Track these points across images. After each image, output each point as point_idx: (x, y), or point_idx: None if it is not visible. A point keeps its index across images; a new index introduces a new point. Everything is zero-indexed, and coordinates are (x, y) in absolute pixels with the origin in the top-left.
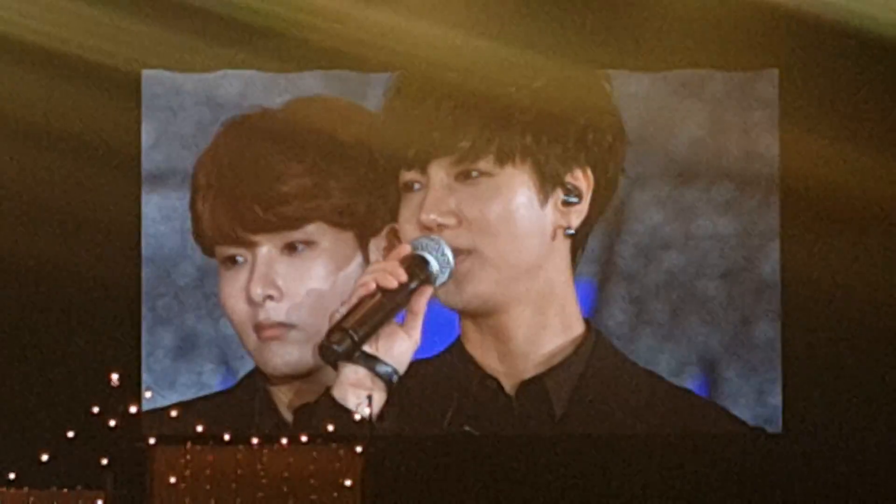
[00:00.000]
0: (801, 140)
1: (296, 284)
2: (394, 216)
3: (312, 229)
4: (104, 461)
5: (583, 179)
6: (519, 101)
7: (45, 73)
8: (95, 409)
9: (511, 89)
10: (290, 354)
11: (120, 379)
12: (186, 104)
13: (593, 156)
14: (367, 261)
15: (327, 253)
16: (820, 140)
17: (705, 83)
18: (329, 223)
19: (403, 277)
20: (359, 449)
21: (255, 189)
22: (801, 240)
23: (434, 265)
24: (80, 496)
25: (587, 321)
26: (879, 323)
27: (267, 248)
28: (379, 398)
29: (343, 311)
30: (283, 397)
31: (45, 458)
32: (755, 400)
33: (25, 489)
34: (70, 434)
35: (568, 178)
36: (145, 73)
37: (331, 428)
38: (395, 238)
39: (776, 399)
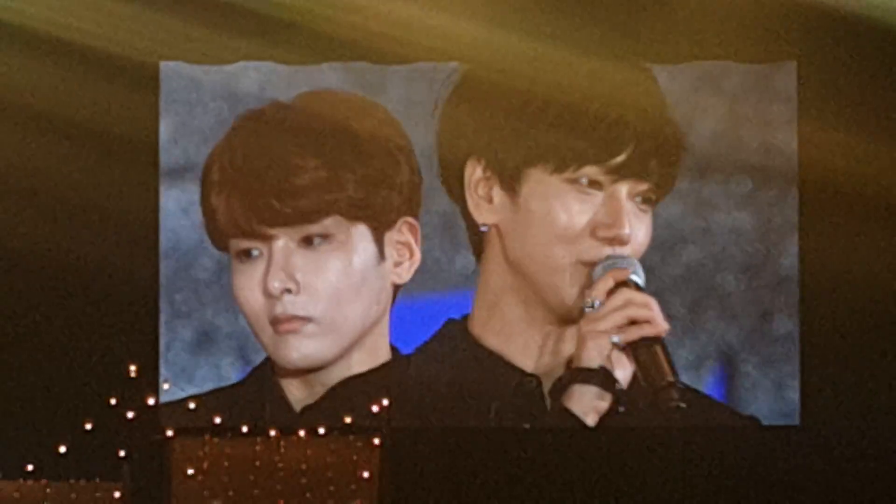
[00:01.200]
0: (820, 133)
1: (313, 278)
2: (408, 209)
3: (329, 222)
4: (122, 453)
5: None
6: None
7: (63, 65)
8: (113, 402)
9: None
10: (306, 347)
11: (138, 371)
12: (205, 98)
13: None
14: (381, 254)
15: (344, 246)
16: (838, 133)
17: (723, 76)
18: (345, 216)
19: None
20: (376, 441)
21: (271, 183)
22: (820, 234)
23: (641, 280)
24: (97, 488)
25: None
26: None
27: (283, 242)
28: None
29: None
30: (294, 390)
31: (62, 449)
32: (773, 394)
33: (43, 481)
34: (88, 426)
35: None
36: (163, 65)
37: (348, 420)
38: (409, 231)
39: (794, 393)
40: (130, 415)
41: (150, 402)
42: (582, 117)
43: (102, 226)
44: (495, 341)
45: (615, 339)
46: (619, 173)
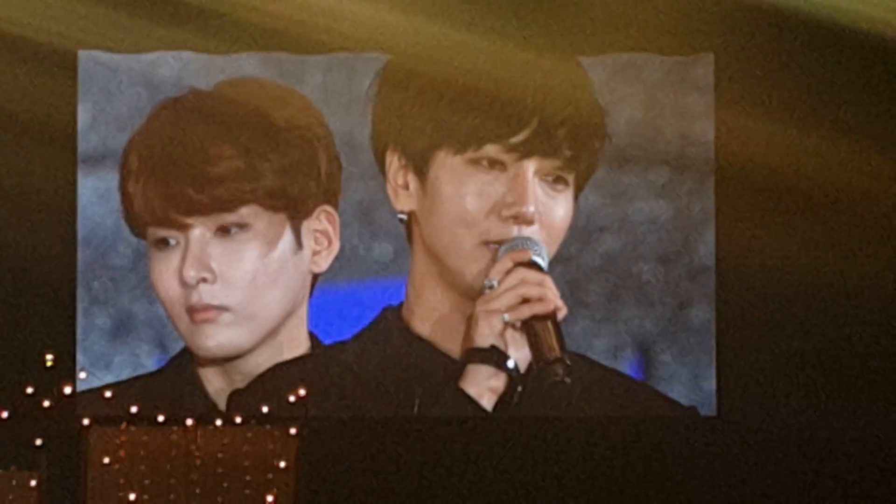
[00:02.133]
0: (737, 124)
1: (229, 267)
2: (327, 197)
3: (246, 212)
4: (38, 442)
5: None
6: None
7: None
8: (30, 390)
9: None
10: (222, 336)
11: (55, 360)
12: (123, 86)
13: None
14: (299, 243)
15: (260, 235)
16: (755, 124)
17: (641, 67)
18: (262, 205)
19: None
20: (293, 431)
21: (188, 171)
22: (737, 223)
23: (545, 266)
24: (13, 476)
25: None
26: (813, 307)
27: (200, 231)
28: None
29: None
30: (212, 378)
31: None
32: (690, 383)
33: None
34: (4, 415)
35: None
36: (81, 53)
37: (265, 409)
38: (326, 220)
39: (710, 383)
40: (47, 403)
41: (67, 390)
42: (482, 97)
43: (19, 213)
44: (424, 328)
45: (506, 317)
46: (523, 151)
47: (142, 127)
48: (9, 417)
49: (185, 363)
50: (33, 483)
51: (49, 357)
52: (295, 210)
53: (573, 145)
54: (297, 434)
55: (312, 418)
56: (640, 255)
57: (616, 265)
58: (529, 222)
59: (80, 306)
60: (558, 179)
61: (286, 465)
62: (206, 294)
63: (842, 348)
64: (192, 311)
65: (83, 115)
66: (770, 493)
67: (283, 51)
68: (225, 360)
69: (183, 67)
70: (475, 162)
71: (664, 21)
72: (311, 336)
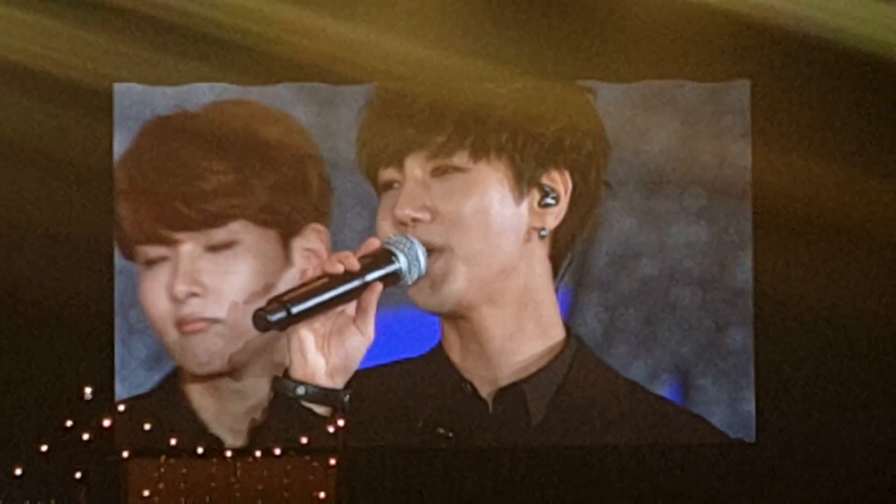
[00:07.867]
0: (773, 149)
1: (219, 282)
2: (317, 216)
3: (236, 227)
4: (78, 475)
5: (560, 181)
6: (496, 97)
7: (18, 89)
8: (69, 423)
9: (489, 86)
10: (214, 345)
11: (93, 392)
12: (158, 113)
13: (571, 160)
14: (289, 260)
15: (251, 251)
16: (791, 149)
17: (677, 93)
18: (252, 221)
19: (354, 266)
20: (332, 461)
21: (178, 187)
22: (773, 248)
23: (402, 262)
24: None
25: (567, 327)
26: (851, 330)
27: (190, 246)
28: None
29: None
30: (202, 402)
31: (18, 472)
32: (728, 407)
33: None
34: (43, 448)
35: (545, 180)
36: (117, 86)
37: (304, 440)
38: (317, 238)
39: (749, 406)
40: (86, 436)
41: (106, 423)
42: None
43: (57, 244)
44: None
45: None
46: (399, 160)
47: (130, 147)
48: (48, 451)
49: (176, 384)
50: None
51: (88, 390)
52: (285, 226)
53: (443, 135)
54: (337, 464)
55: (352, 449)
56: (678, 280)
57: (653, 289)
58: (404, 223)
59: (117, 336)
60: (455, 169)
61: (326, 496)
62: (198, 307)
63: (881, 373)
64: (182, 323)
65: (119, 146)
66: None
67: (315, 81)
68: (215, 376)
69: (217, 97)
70: (384, 185)
71: (700, 48)
72: None
